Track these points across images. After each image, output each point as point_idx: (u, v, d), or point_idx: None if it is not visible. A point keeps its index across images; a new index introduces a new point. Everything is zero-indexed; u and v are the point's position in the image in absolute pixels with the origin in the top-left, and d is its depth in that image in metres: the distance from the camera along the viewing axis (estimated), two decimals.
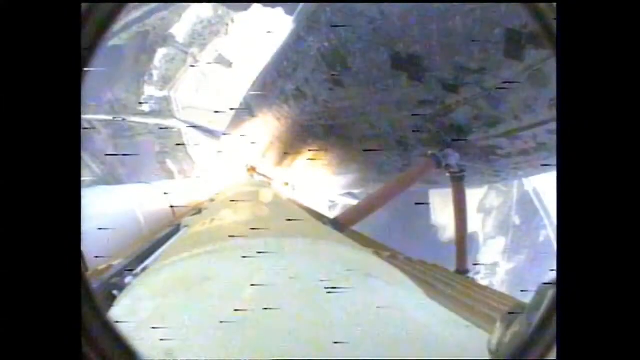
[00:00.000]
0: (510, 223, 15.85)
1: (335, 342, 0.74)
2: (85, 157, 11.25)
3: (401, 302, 1.11)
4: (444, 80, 3.62)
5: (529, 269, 15.61)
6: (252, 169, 9.09)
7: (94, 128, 11.21)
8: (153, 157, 11.78)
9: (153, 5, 10.88)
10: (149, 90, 11.62)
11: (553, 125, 3.48)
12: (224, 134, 10.33)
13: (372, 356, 0.70)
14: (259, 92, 6.54)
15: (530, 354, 0.60)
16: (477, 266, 14.03)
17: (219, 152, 11.15)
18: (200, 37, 11.27)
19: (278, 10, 10.58)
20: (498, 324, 0.67)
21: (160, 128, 11.56)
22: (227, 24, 11.19)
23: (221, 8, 11.05)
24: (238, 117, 8.35)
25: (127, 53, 11.02)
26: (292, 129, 6.29)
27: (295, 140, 6.66)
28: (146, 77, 11.29)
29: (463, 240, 5.30)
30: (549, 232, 15.23)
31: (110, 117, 11.06)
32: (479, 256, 15.01)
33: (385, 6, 3.43)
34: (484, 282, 14.51)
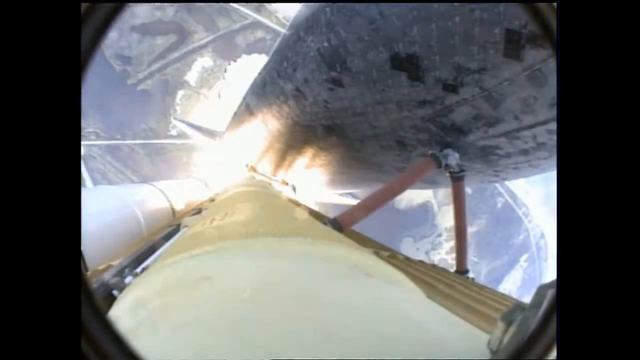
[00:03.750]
0: None
1: (335, 343, 0.74)
2: (128, 172, 15.24)
3: (401, 302, 1.11)
4: (444, 80, 3.62)
5: (494, 232, 16.85)
6: (252, 169, 9.09)
7: (133, 150, 15.14)
8: (182, 167, 15.78)
9: (169, 58, 14.79)
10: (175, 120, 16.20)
11: (553, 125, 3.49)
12: (224, 134, 10.40)
13: (372, 356, 0.70)
14: (259, 93, 6.54)
15: (530, 354, 0.60)
16: (437, 228, 16.27)
17: (219, 152, 11.79)
18: (207, 81, 15.50)
19: (262, 57, 14.30)
20: (498, 324, 0.67)
21: (186, 145, 15.65)
22: (223, 72, 15.36)
23: (219, 59, 15.24)
24: (238, 118, 8.35)
25: (154, 95, 15.26)
26: (292, 129, 6.28)
27: (295, 140, 6.66)
28: (171, 111, 15.50)
29: (463, 241, 5.29)
30: (507, 198, 16.21)
31: (146, 142, 15.35)
32: (436, 221, 16.65)
33: (385, 6, 3.43)
34: (448, 244, 16.06)
